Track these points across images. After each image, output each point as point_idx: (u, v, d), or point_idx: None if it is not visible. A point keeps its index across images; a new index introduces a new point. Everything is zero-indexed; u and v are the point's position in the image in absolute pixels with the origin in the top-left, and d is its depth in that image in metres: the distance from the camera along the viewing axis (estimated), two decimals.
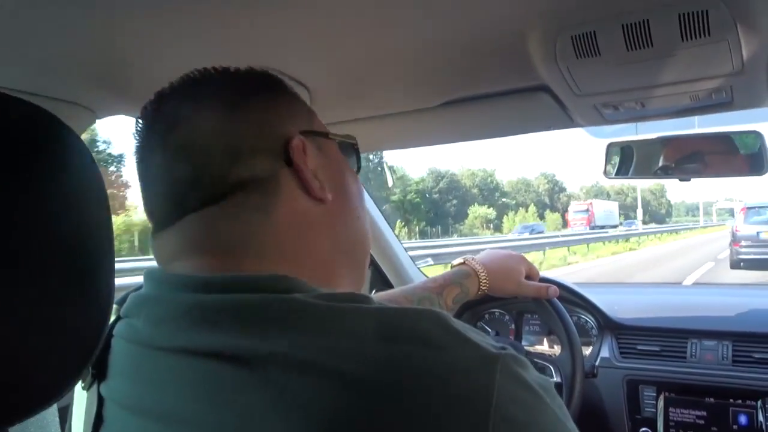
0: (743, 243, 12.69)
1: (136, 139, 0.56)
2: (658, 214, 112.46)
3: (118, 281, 0.50)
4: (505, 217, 75.76)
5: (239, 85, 0.58)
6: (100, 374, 0.53)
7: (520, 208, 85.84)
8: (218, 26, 0.81)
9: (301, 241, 0.54)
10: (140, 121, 0.56)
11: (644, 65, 0.92)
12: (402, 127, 1.32)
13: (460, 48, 0.94)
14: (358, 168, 0.68)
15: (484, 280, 1.10)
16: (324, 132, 0.62)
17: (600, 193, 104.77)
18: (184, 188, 0.52)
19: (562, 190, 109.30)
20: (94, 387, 0.54)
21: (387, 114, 1.24)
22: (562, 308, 1.22)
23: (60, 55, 0.87)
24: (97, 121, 1.07)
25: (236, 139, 0.53)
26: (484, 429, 0.38)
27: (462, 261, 1.13)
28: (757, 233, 12.47)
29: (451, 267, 1.13)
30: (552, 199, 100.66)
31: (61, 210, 0.42)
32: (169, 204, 0.54)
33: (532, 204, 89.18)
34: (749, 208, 13.30)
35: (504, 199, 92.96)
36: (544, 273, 1.27)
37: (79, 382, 0.55)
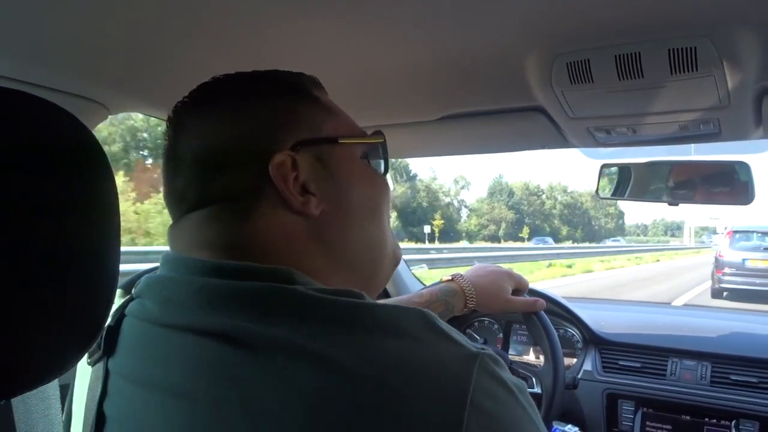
0: (727, 270, 11.13)
1: (163, 145, 0.61)
2: (594, 231, 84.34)
3: None
4: None
5: (238, 92, 0.59)
6: (109, 350, 0.56)
7: None
8: (228, 27, 0.84)
9: (289, 250, 0.56)
10: (166, 129, 0.61)
11: (635, 94, 0.97)
12: (402, 138, 1.36)
13: (461, 66, 0.98)
14: (385, 170, 0.66)
15: (471, 298, 1.11)
16: (333, 138, 0.60)
17: (499, 191, 78.13)
18: (180, 195, 0.58)
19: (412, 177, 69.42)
20: (101, 363, 0.57)
21: (388, 124, 1.28)
22: (548, 322, 1.25)
23: (76, 51, 0.90)
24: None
25: (222, 152, 0.56)
26: (460, 417, 0.42)
27: (450, 278, 1.15)
28: (743, 260, 10.94)
29: (441, 282, 1.16)
30: None
31: (71, 200, 0.44)
32: (174, 206, 0.59)
33: None
34: (735, 232, 11.63)
35: None
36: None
37: (85, 358, 0.58)
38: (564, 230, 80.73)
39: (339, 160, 0.60)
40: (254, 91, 0.60)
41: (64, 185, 0.44)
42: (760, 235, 11.24)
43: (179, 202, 0.58)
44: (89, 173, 0.47)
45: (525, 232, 66.72)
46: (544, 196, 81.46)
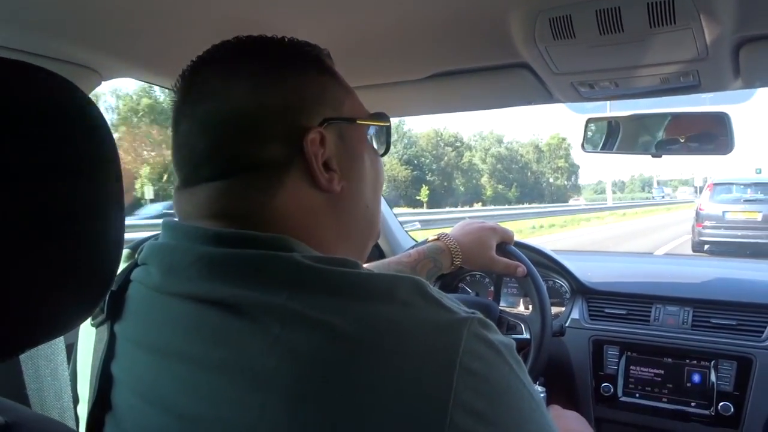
0: (707, 223, 10.90)
1: (174, 102, 0.60)
2: (540, 189, 67.84)
3: None
4: None
5: (270, 61, 0.59)
6: (115, 314, 0.59)
7: None
8: None
9: (302, 225, 0.57)
10: (178, 85, 0.60)
11: (616, 48, 0.99)
12: (390, 97, 1.38)
13: (446, 24, 0.99)
14: (386, 150, 0.68)
15: (457, 256, 1.16)
16: (352, 118, 0.61)
17: (394, 141, 38.05)
18: (201, 159, 0.57)
19: None
20: (105, 325, 0.60)
21: (375, 84, 1.30)
22: (536, 273, 1.30)
23: (68, 17, 0.90)
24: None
25: (254, 122, 0.55)
26: (450, 378, 0.45)
27: (437, 237, 1.19)
28: (723, 213, 10.76)
29: (428, 241, 1.19)
30: None
31: (74, 165, 0.45)
32: (189, 169, 0.58)
33: None
34: (716, 185, 11.35)
35: None
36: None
37: (89, 320, 0.61)
38: (489, 189, 64.55)
39: (355, 139, 0.62)
40: (283, 60, 0.59)
41: (64, 148, 0.45)
42: (740, 187, 11.04)
43: (198, 166, 0.57)
44: (89, 136, 0.47)
45: (424, 193, 50.00)
46: (462, 147, 65.78)
